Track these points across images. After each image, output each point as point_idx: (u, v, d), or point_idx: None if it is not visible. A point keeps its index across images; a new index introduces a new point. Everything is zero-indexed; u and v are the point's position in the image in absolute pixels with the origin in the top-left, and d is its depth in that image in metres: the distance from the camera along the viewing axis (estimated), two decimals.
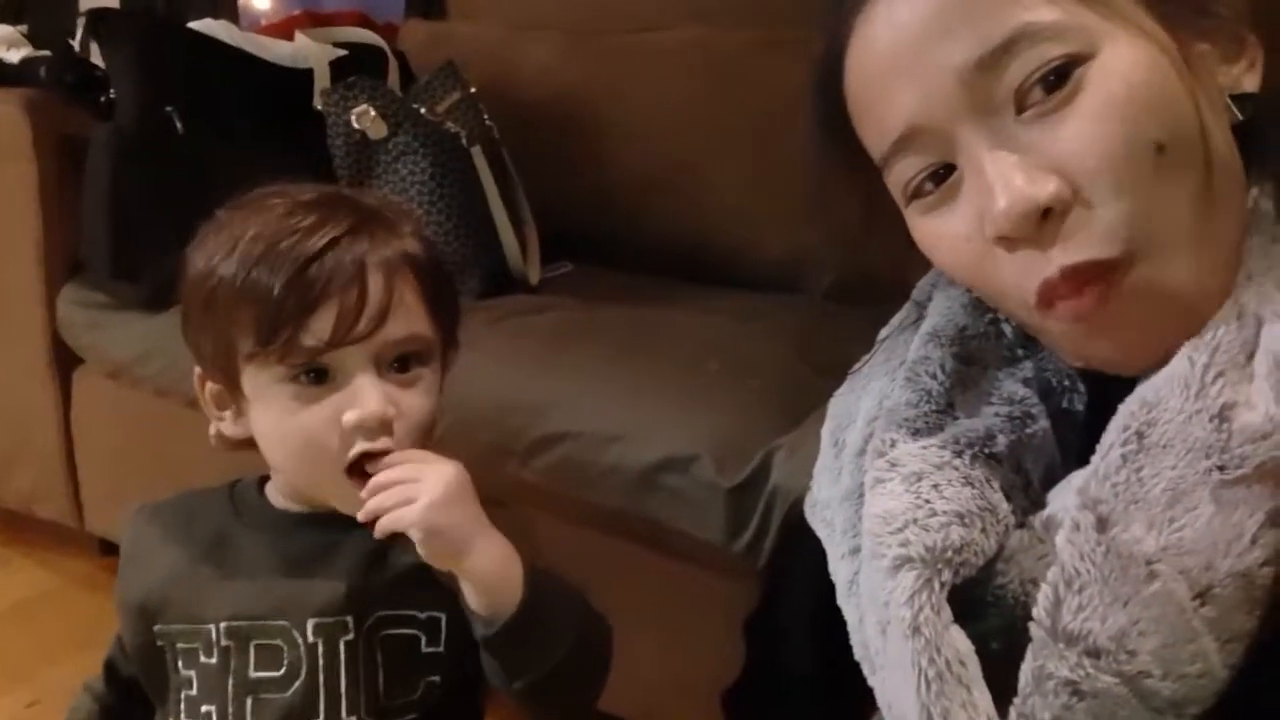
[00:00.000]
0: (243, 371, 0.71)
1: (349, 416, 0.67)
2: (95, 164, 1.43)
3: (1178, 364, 0.48)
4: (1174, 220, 0.47)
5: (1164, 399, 0.48)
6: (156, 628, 0.75)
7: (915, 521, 0.52)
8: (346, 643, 0.71)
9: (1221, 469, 0.46)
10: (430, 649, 0.74)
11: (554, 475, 1.16)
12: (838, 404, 0.67)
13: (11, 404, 1.63)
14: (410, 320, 0.70)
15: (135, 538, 0.79)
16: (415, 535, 0.65)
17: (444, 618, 0.73)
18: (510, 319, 1.36)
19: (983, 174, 0.48)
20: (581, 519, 1.17)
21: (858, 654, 0.58)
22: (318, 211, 0.70)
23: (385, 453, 0.68)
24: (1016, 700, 0.48)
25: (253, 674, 0.72)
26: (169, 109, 1.43)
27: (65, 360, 1.57)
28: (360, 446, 0.68)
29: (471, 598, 0.67)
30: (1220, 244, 0.49)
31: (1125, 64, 0.47)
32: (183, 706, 0.73)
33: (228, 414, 0.74)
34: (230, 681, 0.72)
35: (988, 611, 0.53)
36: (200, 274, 0.71)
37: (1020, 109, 0.48)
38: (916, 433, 0.56)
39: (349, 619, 0.71)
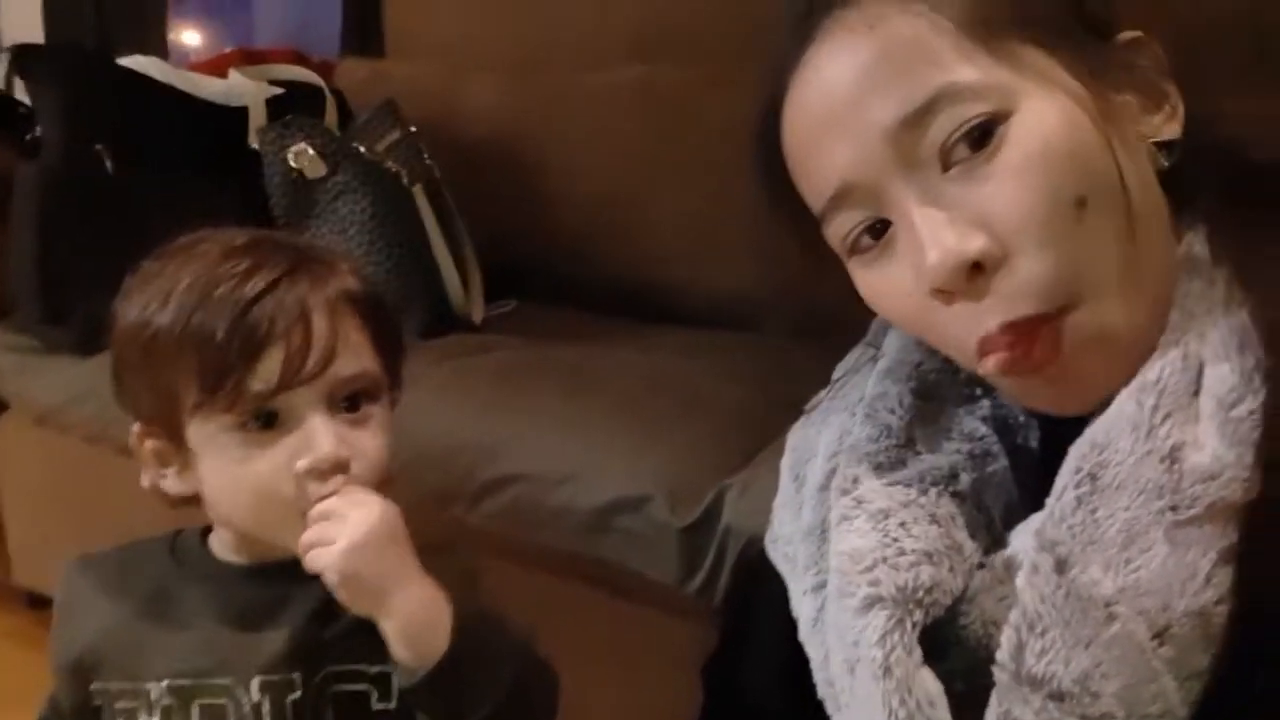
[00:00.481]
0: (187, 424, 0.68)
1: (302, 463, 0.65)
2: (21, 204, 1.39)
3: (1126, 405, 0.49)
4: (1101, 268, 0.48)
5: (1114, 440, 0.49)
6: (93, 686, 0.72)
7: (885, 560, 0.52)
8: (293, 701, 0.69)
9: (1174, 509, 0.47)
10: (380, 705, 0.71)
11: (504, 518, 1.14)
12: (796, 437, 0.67)
13: None
14: (358, 357, 0.69)
15: (69, 591, 0.76)
16: (331, 579, 0.64)
17: (394, 673, 0.70)
18: (455, 358, 1.34)
19: (913, 229, 0.50)
20: (533, 562, 1.15)
21: (821, 691, 0.58)
22: (252, 255, 0.68)
23: None
24: None
25: None
26: (98, 147, 1.39)
27: None
28: (316, 492, 0.66)
29: (393, 646, 0.65)
30: (1148, 286, 0.50)
31: (1042, 121, 0.48)
32: None
33: (170, 470, 0.71)
34: None
35: (951, 652, 0.53)
36: (134, 325, 0.69)
37: (946, 166, 0.49)
38: (879, 468, 0.57)
39: (296, 676, 0.69)
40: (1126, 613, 0.46)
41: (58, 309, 1.39)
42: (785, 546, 0.64)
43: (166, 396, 0.68)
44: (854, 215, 0.53)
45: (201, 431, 0.68)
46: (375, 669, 0.70)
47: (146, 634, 0.71)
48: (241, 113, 1.55)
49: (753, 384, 1.21)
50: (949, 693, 0.51)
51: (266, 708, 0.69)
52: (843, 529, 0.56)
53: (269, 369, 0.65)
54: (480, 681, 0.66)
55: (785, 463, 0.67)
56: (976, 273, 0.48)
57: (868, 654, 0.51)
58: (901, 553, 0.52)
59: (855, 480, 0.57)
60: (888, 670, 0.50)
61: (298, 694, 0.69)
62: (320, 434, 0.66)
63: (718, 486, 1.05)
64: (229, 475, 0.68)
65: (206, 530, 0.76)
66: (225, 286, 0.66)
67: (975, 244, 0.48)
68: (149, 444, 0.72)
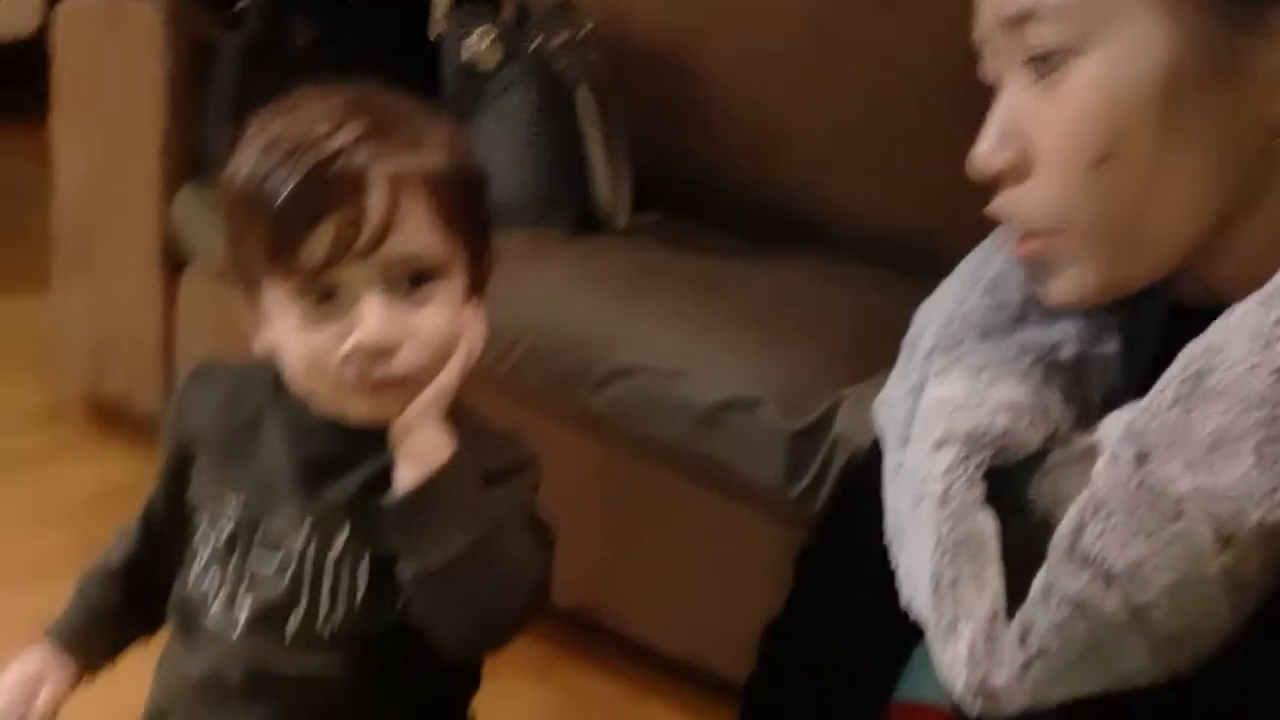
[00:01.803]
0: (262, 287, 0.70)
1: (347, 344, 0.66)
2: (222, 70, 1.50)
3: (1250, 312, 0.48)
4: (1098, 223, 0.51)
5: (1229, 345, 0.48)
6: (187, 495, 0.77)
7: (965, 407, 0.55)
8: (335, 552, 0.72)
9: (1273, 423, 0.46)
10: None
11: (621, 407, 1.18)
12: (921, 312, 0.69)
13: (119, 297, 1.73)
14: (417, 237, 0.67)
15: (184, 395, 0.80)
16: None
17: None
18: (594, 255, 1.38)
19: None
20: (643, 452, 1.20)
21: (889, 535, 0.60)
22: (336, 118, 0.67)
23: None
24: (1022, 607, 0.49)
25: (249, 563, 0.74)
26: (293, 21, 1.48)
27: (174, 259, 1.65)
28: (363, 372, 0.67)
29: (398, 471, 0.68)
30: (1147, 250, 0.52)
31: (1105, 72, 0.50)
32: (190, 573, 0.76)
33: (258, 324, 0.73)
34: (230, 563, 0.74)
35: (1013, 519, 0.53)
36: (225, 181, 0.70)
37: (1032, 72, 0.52)
38: (986, 335, 0.59)
39: (343, 530, 0.72)
40: (1195, 513, 0.46)
41: None
42: (889, 409, 0.65)
43: (245, 257, 0.70)
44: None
45: (271, 295, 0.69)
46: None
47: (233, 454, 0.75)
48: (425, 5, 1.63)
49: (881, 311, 1.20)
50: (1007, 551, 0.52)
51: (311, 552, 0.72)
52: (936, 381, 0.58)
53: (321, 243, 0.65)
54: (447, 523, 0.67)
55: (905, 338, 0.68)
56: (1002, 177, 0.52)
57: (931, 487, 0.53)
58: (983, 402, 0.55)
59: (960, 342, 0.59)
60: (946, 499, 0.52)
61: (340, 546, 0.72)
62: (369, 315, 0.66)
63: (833, 397, 1.06)
64: (289, 342, 0.69)
65: None
66: (300, 149, 0.65)
67: (1000, 158, 0.52)
68: (245, 303, 0.73)
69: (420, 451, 0.68)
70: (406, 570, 0.68)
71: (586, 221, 1.53)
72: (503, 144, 1.50)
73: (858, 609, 0.73)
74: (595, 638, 1.34)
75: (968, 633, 0.50)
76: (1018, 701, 0.49)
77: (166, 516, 0.80)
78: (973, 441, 0.53)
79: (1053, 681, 0.49)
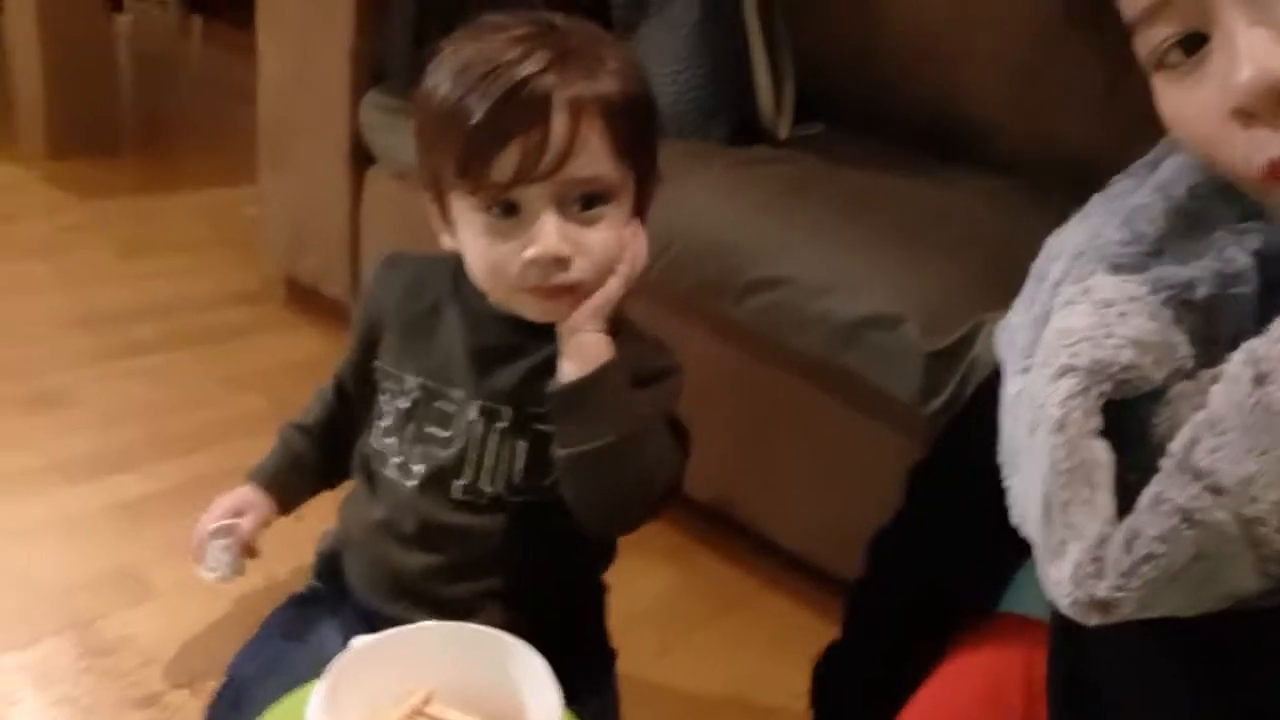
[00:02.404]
0: (449, 196, 0.78)
1: (527, 253, 0.73)
2: None
3: None
4: None
5: None
6: (375, 363, 0.88)
7: (1090, 339, 0.55)
8: (500, 427, 0.82)
9: None
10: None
11: (763, 317, 1.22)
12: (1052, 240, 0.69)
13: (313, 191, 1.87)
14: (593, 162, 0.73)
15: (376, 280, 0.91)
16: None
17: None
18: (749, 166, 1.40)
19: (1234, 46, 0.49)
20: (783, 363, 1.23)
21: (1002, 457, 0.61)
22: (524, 45, 0.73)
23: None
24: (1129, 516, 0.51)
25: (423, 432, 0.84)
26: None
27: (361, 158, 1.77)
28: (538, 279, 0.75)
29: (561, 365, 0.77)
30: None
31: None
32: (375, 433, 0.87)
33: (445, 229, 0.82)
34: (407, 430, 0.84)
35: (1132, 447, 0.54)
36: (420, 98, 0.77)
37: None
38: (1118, 268, 0.58)
39: (507, 409, 0.82)
40: None
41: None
42: (1011, 334, 0.66)
43: (435, 169, 0.77)
44: (1169, 28, 0.52)
45: (458, 205, 0.77)
46: None
47: (414, 338, 0.86)
48: None
49: (1038, 236, 1.18)
50: (1121, 481, 0.53)
51: (479, 427, 0.82)
52: (1063, 311, 0.58)
53: (507, 164, 0.71)
54: (598, 416, 0.75)
55: (1034, 263, 0.69)
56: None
57: (1049, 413, 0.54)
58: (1110, 335, 0.54)
59: (1091, 274, 0.59)
60: (1061, 427, 0.53)
61: (504, 424, 0.82)
62: (546, 231, 0.72)
63: (975, 319, 1.06)
64: (474, 248, 0.77)
65: None
66: (491, 75, 0.71)
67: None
68: (431, 207, 0.82)
69: (583, 352, 0.76)
70: (558, 453, 0.77)
71: (746, 133, 1.54)
72: (666, 53, 1.53)
73: (964, 525, 0.76)
74: (725, 530, 1.41)
75: (1075, 552, 0.51)
76: (1125, 610, 0.50)
77: (355, 384, 0.91)
78: (1094, 373, 0.53)
79: (1159, 590, 0.49)
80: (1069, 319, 0.56)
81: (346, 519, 0.91)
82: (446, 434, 0.84)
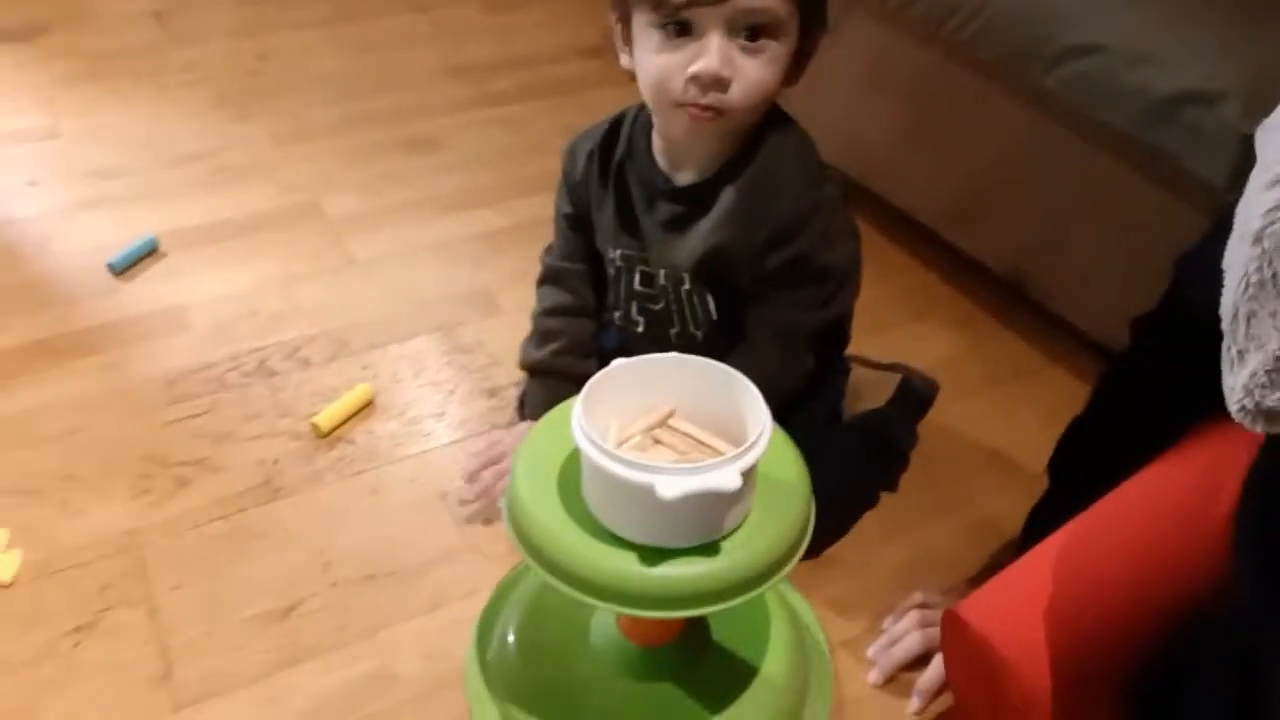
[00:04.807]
0: (633, 13, 0.85)
1: (692, 68, 0.81)
2: None
3: None
4: None
5: None
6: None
7: None
8: (685, 288, 0.97)
9: None
10: (742, 290, 0.96)
11: (1073, 87, 1.16)
12: None
13: None
14: None
15: (565, 161, 1.06)
16: None
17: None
18: None
19: None
20: (1091, 138, 1.18)
21: (1225, 259, 0.61)
22: None
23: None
24: None
25: (636, 287, 0.98)
26: None
27: None
28: (695, 96, 0.83)
29: None
30: None
31: None
32: (608, 299, 1.04)
33: (625, 51, 0.90)
34: (622, 289, 0.99)
35: None
36: None
37: None
38: None
39: (686, 275, 0.96)
40: None
41: None
42: (1270, 134, 0.64)
43: None
44: None
45: (639, 22, 0.85)
46: (732, 274, 0.94)
47: (604, 219, 1.00)
48: None
49: None
50: None
51: (670, 286, 0.96)
52: None
53: None
54: None
55: None
56: None
57: (1252, 224, 0.54)
58: None
59: None
60: (1259, 238, 0.53)
61: (687, 285, 0.95)
62: (712, 51, 0.80)
63: None
64: (645, 62, 0.85)
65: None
66: None
67: None
68: (616, 26, 0.90)
69: None
70: None
71: None
72: None
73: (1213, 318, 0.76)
74: (1015, 301, 1.42)
75: (1253, 362, 0.53)
76: None
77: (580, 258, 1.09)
78: None
79: None
80: None
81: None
82: (652, 292, 0.98)
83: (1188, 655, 0.70)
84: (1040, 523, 0.92)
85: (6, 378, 1.27)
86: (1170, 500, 0.80)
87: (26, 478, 1.14)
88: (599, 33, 2.17)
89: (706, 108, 0.85)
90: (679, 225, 0.95)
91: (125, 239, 1.49)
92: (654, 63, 0.86)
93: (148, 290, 1.43)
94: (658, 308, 1.00)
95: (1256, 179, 0.57)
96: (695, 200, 0.93)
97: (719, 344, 0.96)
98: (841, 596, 1.05)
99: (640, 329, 1.02)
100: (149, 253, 1.48)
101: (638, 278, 1.00)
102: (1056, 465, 0.99)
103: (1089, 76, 1.14)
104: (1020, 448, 1.23)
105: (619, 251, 1.00)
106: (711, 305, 0.97)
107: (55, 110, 1.84)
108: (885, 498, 1.15)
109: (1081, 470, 0.95)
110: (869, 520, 1.13)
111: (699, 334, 0.99)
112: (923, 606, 1.00)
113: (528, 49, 2.15)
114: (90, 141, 1.75)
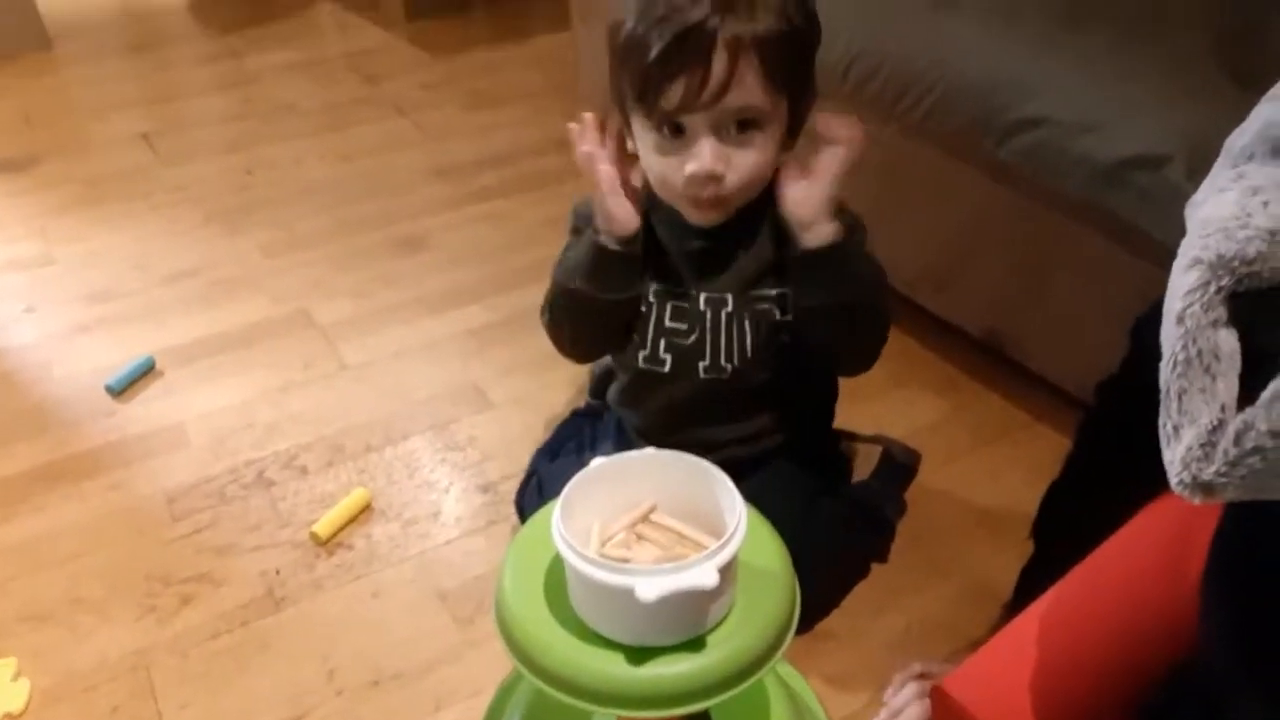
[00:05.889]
0: (631, 115, 0.91)
1: (688, 168, 0.87)
2: None
3: None
4: None
5: None
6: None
7: (1224, 230, 0.55)
8: (726, 312, 0.97)
9: None
10: (781, 318, 0.98)
11: (1026, 158, 1.21)
12: (1253, 113, 0.67)
13: None
14: (747, 94, 0.84)
15: (588, 210, 1.04)
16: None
17: (787, 293, 0.96)
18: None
19: None
20: (1046, 203, 1.22)
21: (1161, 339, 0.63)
22: None
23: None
24: (1246, 410, 0.53)
25: (667, 323, 0.99)
26: None
27: None
28: (696, 191, 0.89)
29: (805, 239, 0.91)
30: None
31: None
32: (634, 338, 1.04)
33: (630, 139, 0.94)
34: (651, 326, 1.00)
35: (1259, 337, 0.55)
36: (612, 29, 0.89)
37: None
38: (1278, 152, 0.58)
39: (729, 295, 0.97)
40: None
41: None
42: (1192, 211, 0.67)
43: (620, 91, 0.90)
44: None
45: (637, 123, 0.90)
46: (775, 291, 0.97)
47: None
48: None
49: None
50: (1248, 370, 0.54)
51: (709, 313, 0.98)
52: (1214, 198, 0.58)
53: (675, 95, 0.84)
54: (847, 273, 0.90)
55: (1228, 138, 0.68)
56: None
57: (1174, 304, 0.56)
58: (1244, 226, 0.54)
59: (1251, 157, 0.58)
60: (1181, 318, 0.55)
61: (729, 308, 0.97)
62: (703, 153, 0.86)
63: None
64: (647, 159, 0.91)
65: None
66: (665, 19, 0.83)
67: None
68: (619, 119, 0.94)
69: (823, 233, 0.91)
70: (813, 302, 0.94)
71: None
72: None
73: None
74: (995, 363, 1.45)
75: (1187, 437, 0.54)
76: (1228, 494, 0.53)
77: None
78: (1219, 267, 0.54)
79: (1263, 480, 0.51)
80: (1213, 208, 0.57)
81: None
82: (685, 325, 0.99)
83: (1167, 713, 0.71)
84: (1029, 586, 0.94)
85: (11, 505, 1.29)
86: (1147, 560, 0.81)
87: (34, 604, 1.16)
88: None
89: (709, 200, 0.91)
90: (718, 254, 0.99)
91: (122, 360, 1.52)
92: (654, 161, 0.91)
93: (146, 409, 1.46)
94: (688, 342, 1.01)
95: (1179, 259, 0.59)
96: (729, 232, 0.97)
97: (747, 378, 0.99)
98: (839, 671, 1.06)
99: (666, 368, 1.03)
100: (146, 372, 1.52)
101: (669, 312, 1.02)
102: (1039, 529, 1.01)
103: (1040, 146, 1.19)
104: (1010, 508, 1.25)
105: (651, 287, 1.02)
106: (749, 334, 0.99)
107: (49, 237, 1.89)
108: (876, 568, 1.17)
109: (1063, 533, 0.97)
110: (861, 591, 1.15)
111: (729, 367, 1.00)
112: (923, 676, 1.01)
113: (509, 145, 2.22)
114: (85, 266, 1.80)
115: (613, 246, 0.94)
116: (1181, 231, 1.05)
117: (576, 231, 1.03)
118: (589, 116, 0.94)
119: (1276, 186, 0.56)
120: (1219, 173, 0.66)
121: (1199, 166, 1.04)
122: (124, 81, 2.62)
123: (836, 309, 0.93)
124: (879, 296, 0.96)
